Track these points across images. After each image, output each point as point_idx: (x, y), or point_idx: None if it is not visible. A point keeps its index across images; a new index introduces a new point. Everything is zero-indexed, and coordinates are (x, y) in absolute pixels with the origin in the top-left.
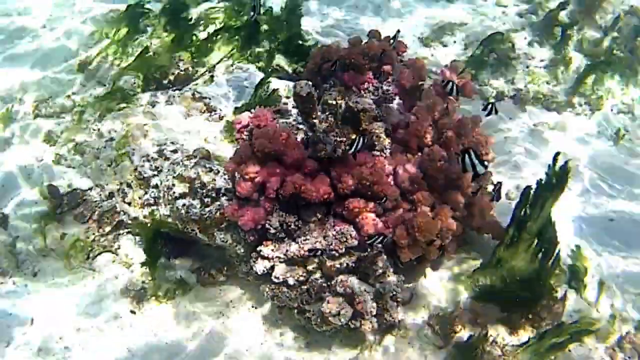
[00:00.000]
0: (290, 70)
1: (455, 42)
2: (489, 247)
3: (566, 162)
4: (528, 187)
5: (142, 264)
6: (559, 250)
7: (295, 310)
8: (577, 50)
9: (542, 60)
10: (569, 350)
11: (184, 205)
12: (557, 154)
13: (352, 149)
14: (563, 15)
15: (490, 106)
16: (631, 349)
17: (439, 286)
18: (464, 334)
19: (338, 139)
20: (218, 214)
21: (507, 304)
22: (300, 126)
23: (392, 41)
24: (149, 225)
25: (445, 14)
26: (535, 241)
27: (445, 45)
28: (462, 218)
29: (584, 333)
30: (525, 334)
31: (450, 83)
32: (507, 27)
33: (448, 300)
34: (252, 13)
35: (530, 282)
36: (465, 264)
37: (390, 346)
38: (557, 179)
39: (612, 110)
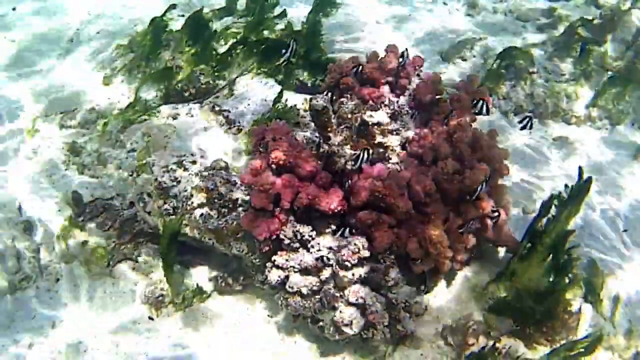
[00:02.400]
0: (309, 84)
1: (474, 56)
2: (503, 260)
3: (589, 178)
4: (550, 199)
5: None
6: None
7: (309, 320)
8: (598, 65)
9: (562, 75)
10: None
11: (201, 215)
12: (581, 168)
13: (357, 164)
14: (583, 30)
15: (527, 120)
16: None
17: (453, 298)
18: (477, 346)
19: (353, 152)
20: (234, 224)
21: (521, 317)
22: (317, 139)
23: (401, 60)
24: (166, 226)
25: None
26: (550, 254)
27: (464, 60)
28: (475, 230)
29: (595, 344)
30: (540, 348)
31: (481, 102)
32: (527, 41)
33: (461, 312)
34: (286, 54)
35: (545, 296)
36: (479, 276)
37: (403, 357)
38: (577, 193)
39: (633, 124)
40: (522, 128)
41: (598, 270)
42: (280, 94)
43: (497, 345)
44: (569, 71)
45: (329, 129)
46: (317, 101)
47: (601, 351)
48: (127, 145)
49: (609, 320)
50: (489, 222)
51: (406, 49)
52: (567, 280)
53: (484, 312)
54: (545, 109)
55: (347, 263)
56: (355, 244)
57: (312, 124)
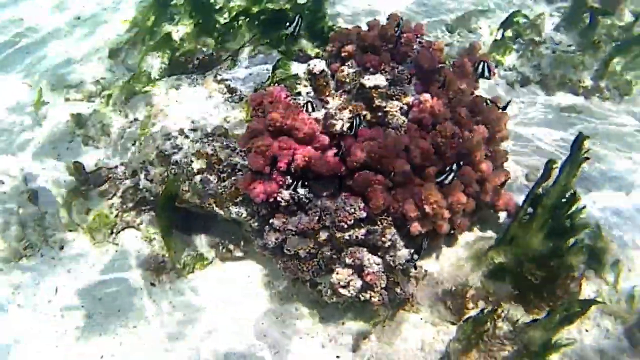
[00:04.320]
0: (312, 55)
1: (480, 28)
2: (505, 226)
3: (581, 136)
4: (551, 161)
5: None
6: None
7: (308, 283)
8: (606, 35)
9: (569, 45)
10: (587, 331)
11: (201, 180)
12: (580, 134)
13: (352, 131)
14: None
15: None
16: None
17: (453, 263)
18: (476, 310)
19: (349, 116)
20: (233, 188)
21: (521, 282)
22: (316, 104)
23: (396, 28)
24: (164, 189)
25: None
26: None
27: (470, 32)
28: (474, 194)
29: (592, 303)
30: (541, 313)
31: (482, 63)
32: (535, 12)
33: (461, 277)
34: (290, 27)
35: (545, 260)
36: (480, 241)
37: (402, 321)
38: (574, 155)
39: None
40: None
41: (602, 235)
42: (279, 61)
43: (497, 309)
44: (576, 42)
45: (326, 93)
46: (315, 65)
47: (604, 317)
48: (130, 115)
49: (612, 285)
50: (488, 185)
51: (401, 18)
52: (569, 245)
53: (483, 278)
54: (552, 80)
55: (343, 224)
56: (351, 205)
57: (313, 92)
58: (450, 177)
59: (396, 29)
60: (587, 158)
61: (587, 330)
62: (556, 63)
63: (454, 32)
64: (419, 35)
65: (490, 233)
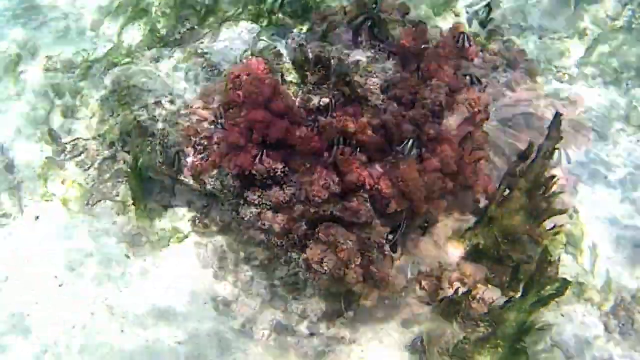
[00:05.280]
0: (295, 30)
1: (467, 12)
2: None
3: (558, 116)
4: (531, 142)
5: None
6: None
7: (282, 260)
8: (593, 22)
9: (555, 32)
10: (562, 315)
11: (177, 152)
12: (557, 113)
13: (328, 114)
14: None
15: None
16: (625, 316)
17: (430, 244)
18: (451, 291)
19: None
20: (210, 161)
21: (498, 263)
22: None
23: (374, 5)
24: (135, 160)
25: None
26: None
27: (457, 15)
28: (452, 174)
29: (566, 285)
30: (517, 296)
31: (462, 35)
32: None
33: (438, 258)
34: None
35: (521, 242)
36: (458, 222)
37: (377, 300)
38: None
39: (627, 85)
40: None
41: (579, 221)
42: (259, 34)
43: (472, 291)
44: (562, 28)
45: (305, 68)
46: (293, 39)
47: (580, 302)
48: (108, 86)
49: (589, 271)
50: (467, 166)
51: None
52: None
53: (459, 260)
54: (536, 65)
55: (317, 199)
56: (325, 180)
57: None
58: (409, 145)
59: (374, 5)
60: (562, 137)
61: (562, 315)
62: (542, 49)
63: (440, 14)
64: (403, 15)
65: (468, 214)
